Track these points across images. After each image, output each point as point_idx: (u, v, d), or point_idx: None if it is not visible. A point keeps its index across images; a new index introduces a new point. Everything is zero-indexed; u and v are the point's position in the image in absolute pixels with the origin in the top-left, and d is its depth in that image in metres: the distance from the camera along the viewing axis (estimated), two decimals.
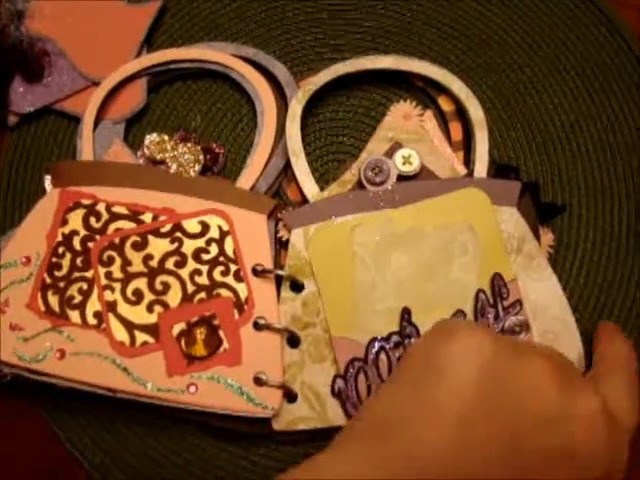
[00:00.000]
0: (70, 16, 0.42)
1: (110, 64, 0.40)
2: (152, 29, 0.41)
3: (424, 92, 0.40)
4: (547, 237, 0.36)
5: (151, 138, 0.38)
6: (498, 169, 0.37)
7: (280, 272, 0.35)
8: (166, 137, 0.38)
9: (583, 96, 0.40)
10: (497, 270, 0.34)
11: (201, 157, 0.37)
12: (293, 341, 0.34)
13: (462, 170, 0.37)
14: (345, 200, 0.35)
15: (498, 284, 0.33)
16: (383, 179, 0.35)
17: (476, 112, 0.37)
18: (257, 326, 0.34)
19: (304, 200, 0.37)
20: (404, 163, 0.35)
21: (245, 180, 0.37)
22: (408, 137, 0.37)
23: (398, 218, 0.35)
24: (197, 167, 0.37)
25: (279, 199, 0.38)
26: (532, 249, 0.34)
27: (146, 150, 0.37)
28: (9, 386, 0.35)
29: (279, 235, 0.36)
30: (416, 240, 0.34)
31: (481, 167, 0.36)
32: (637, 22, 0.41)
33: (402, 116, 0.37)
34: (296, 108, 0.37)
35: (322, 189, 0.37)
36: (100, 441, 0.35)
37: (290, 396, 0.34)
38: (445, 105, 0.39)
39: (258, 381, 0.33)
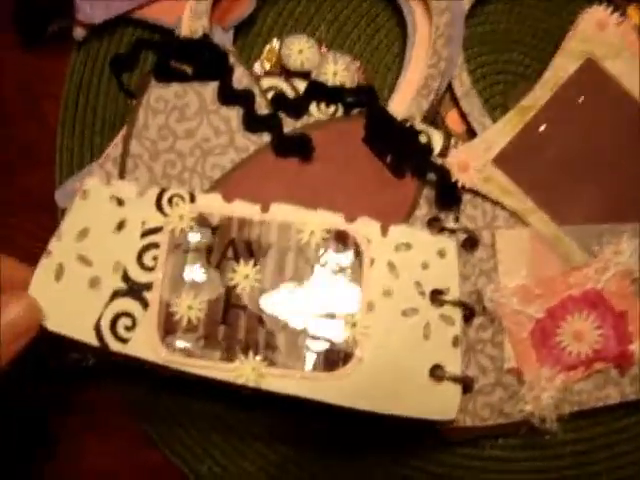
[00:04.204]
0: None
1: None
2: None
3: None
4: None
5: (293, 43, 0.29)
6: None
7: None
8: (313, 42, 0.29)
9: None
10: None
11: (356, 75, 0.29)
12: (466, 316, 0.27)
13: None
14: None
15: None
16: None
17: None
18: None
19: (470, 131, 0.29)
20: None
21: (395, 104, 0.29)
22: (606, 51, 0.29)
23: None
24: (350, 84, 0.28)
25: (437, 129, 0.29)
26: None
27: (287, 57, 0.29)
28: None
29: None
30: None
31: None
32: None
33: (596, 24, 0.29)
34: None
35: (493, 119, 0.29)
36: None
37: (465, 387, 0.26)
38: (637, 16, 0.31)
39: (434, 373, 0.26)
